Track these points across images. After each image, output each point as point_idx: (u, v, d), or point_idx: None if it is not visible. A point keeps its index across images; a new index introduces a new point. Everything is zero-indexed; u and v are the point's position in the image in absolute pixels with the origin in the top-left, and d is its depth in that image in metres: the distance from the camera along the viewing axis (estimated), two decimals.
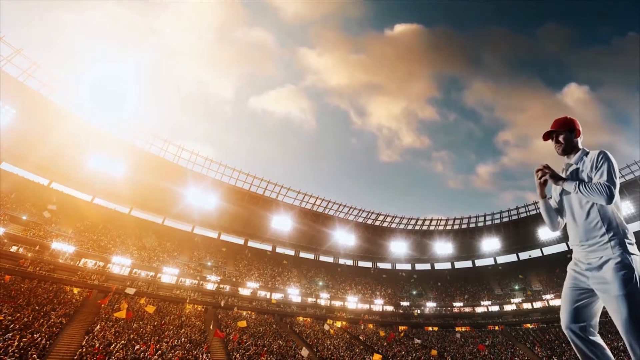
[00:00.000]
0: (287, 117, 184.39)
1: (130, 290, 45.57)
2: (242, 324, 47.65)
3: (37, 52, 51.91)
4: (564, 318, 3.67)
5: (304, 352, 43.92)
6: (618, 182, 3.41)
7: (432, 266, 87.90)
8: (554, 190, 4.05)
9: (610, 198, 3.25)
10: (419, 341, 59.98)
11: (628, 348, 3.06)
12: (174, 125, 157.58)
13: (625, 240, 3.31)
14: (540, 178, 3.90)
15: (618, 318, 3.09)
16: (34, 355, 29.08)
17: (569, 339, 3.60)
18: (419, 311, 74.38)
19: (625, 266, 3.16)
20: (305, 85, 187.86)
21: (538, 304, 67.36)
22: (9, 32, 46.56)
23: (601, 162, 3.56)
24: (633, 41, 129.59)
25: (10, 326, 30.97)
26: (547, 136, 4.08)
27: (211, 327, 45.20)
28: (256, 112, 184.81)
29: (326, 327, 59.35)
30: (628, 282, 3.10)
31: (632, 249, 3.29)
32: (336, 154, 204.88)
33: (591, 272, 3.42)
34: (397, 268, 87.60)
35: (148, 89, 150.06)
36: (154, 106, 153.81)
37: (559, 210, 4.00)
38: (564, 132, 3.98)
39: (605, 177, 3.40)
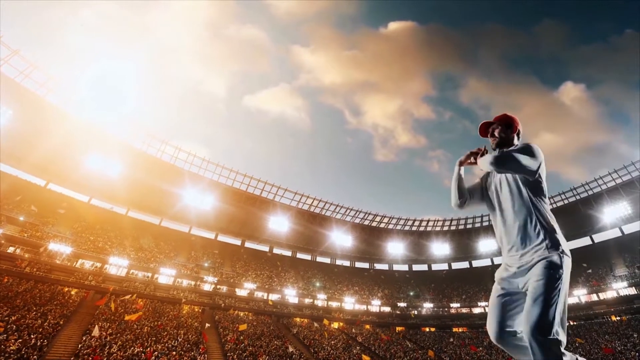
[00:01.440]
0: (281, 116, 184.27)
1: (127, 296, 45.60)
2: (243, 327, 47.56)
3: (34, 52, 51.72)
4: (493, 328, 3.60)
5: (290, 348, 44.72)
6: (537, 162, 3.43)
7: (429, 267, 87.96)
8: (486, 183, 4.05)
9: (520, 163, 3.33)
10: (409, 344, 60.16)
11: (529, 347, 3.05)
12: (169, 124, 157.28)
13: (560, 241, 3.31)
14: (472, 153, 3.90)
15: (528, 315, 3.09)
16: (32, 356, 29.06)
17: (506, 350, 3.56)
18: (416, 312, 74.46)
19: (554, 265, 3.17)
20: (299, 83, 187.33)
21: None
22: (5, 32, 46.47)
23: (523, 145, 3.60)
24: (630, 39, 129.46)
25: (8, 327, 30.97)
26: (483, 131, 4.01)
27: (206, 326, 45.21)
28: (251, 111, 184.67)
29: (317, 324, 59.57)
30: (552, 282, 3.12)
31: (566, 249, 3.30)
32: (332, 153, 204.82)
33: (523, 274, 3.41)
34: (394, 269, 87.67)
35: (143, 88, 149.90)
36: (150, 105, 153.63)
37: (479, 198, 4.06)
38: (501, 127, 3.90)
39: (521, 149, 3.49)
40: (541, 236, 3.35)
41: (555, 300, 3.06)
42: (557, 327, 3.04)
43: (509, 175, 3.66)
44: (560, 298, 3.09)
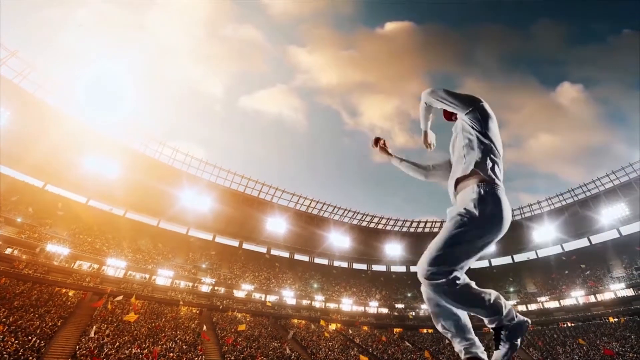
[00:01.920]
0: (278, 117, 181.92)
1: (118, 297, 45.11)
2: (242, 327, 47.58)
3: (31, 53, 51.79)
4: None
5: (287, 349, 44.99)
6: (467, 103, 3.43)
7: None
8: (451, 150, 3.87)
9: (432, 91, 3.50)
10: (409, 345, 60.12)
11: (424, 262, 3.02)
12: (167, 126, 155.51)
13: (486, 170, 3.20)
14: (376, 141, 4.32)
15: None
16: (30, 358, 29.03)
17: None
18: (413, 313, 74.41)
19: (467, 212, 3.05)
20: (296, 84, 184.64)
21: (533, 306, 67.50)
22: (2, 33, 46.47)
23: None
24: (628, 38, 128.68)
25: (6, 328, 30.94)
26: (447, 115, 3.90)
27: (204, 329, 45.15)
28: (247, 112, 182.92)
29: (313, 326, 59.59)
30: (460, 222, 3.04)
31: (496, 178, 3.20)
32: (329, 154, 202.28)
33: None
34: (392, 270, 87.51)
35: (140, 89, 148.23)
36: (148, 106, 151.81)
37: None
38: None
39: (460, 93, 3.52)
40: (470, 168, 3.27)
41: (456, 240, 3.00)
42: (447, 267, 2.95)
43: (461, 129, 3.56)
44: (463, 239, 3.00)
